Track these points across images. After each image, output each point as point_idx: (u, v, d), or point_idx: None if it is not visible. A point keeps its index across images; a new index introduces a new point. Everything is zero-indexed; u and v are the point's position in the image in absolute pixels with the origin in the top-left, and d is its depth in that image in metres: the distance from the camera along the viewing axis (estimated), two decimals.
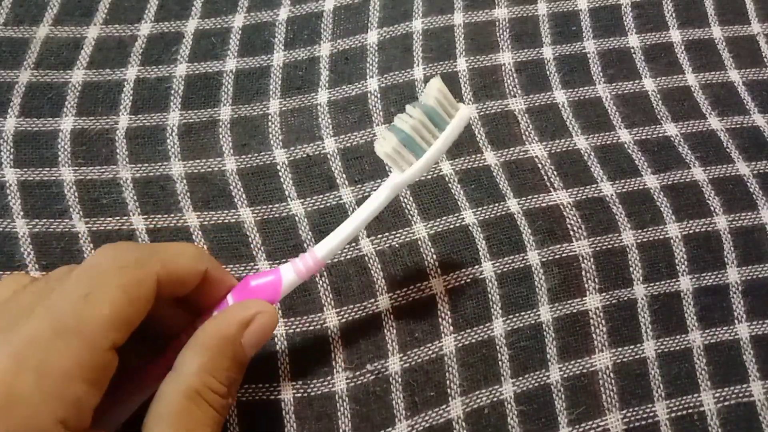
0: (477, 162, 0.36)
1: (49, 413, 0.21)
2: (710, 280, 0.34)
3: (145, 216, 0.34)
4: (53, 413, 0.21)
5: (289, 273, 0.28)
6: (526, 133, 0.37)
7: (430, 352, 0.32)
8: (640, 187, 0.36)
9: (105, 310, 0.22)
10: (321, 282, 0.33)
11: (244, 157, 0.36)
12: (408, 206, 0.35)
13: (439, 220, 0.35)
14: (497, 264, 0.34)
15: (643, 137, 0.37)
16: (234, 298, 0.28)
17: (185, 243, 0.29)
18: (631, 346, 0.33)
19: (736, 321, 0.34)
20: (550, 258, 0.34)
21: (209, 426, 0.24)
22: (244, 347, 0.26)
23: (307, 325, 0.32)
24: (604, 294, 0.34)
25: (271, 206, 0.35)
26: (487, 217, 0.35)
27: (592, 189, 0.36)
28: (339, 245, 0.29)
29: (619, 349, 0.33)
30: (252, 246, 0.34)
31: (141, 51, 0.38)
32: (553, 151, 0.37)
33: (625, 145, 0.37)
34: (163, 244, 0.30)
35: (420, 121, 0.27)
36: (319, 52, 0.39)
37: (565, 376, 0.32)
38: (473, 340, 0.32)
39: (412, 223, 0.34)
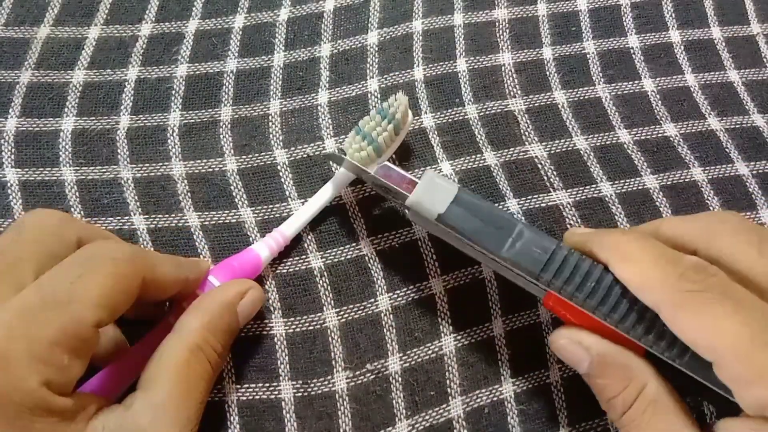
0: (477, 162, 0.36)
1: (35, 375, 0.22)
2: None
3: (146, 216, 0.34)
4: (39, 375, 0.22)
5: (264, 251, 0.32)
6: (526, 133, 0.37)
7: (430, 352, 0.32)
8: (640, 188, 0.36)
9: (94, 291, 0.24)
10: (321, 282, 0.33)
11: (244, 157, 0.36)
12: None
13: None
14: None
15: (643, 137, 0.37)
16: (217, 277, 0.30)
17: (169, 255, 0.31)
18: None
19: None
20: None
21: (205, 380, 0.26)
22: (238, 316, 0.29)
23: (307, 324, 0.32)
24: None
25: (271, 206, 0.35)
26: None
27: (592, 189, 0.36)
28: (303, 224, 0.33)
29: None
30: None
31: (142, 51, 0.39)
32: (552, 152, 0.37)
33: (625, 146, 0.37)
34: (152, 252, 0.33)
35: (389, 134, 0.32)
36: (320, 52, 0.39)
37: (565, 375, 0.32)
38: (473, 340, 0.33)
39: (413, 223, 0.34)
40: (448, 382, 0.32)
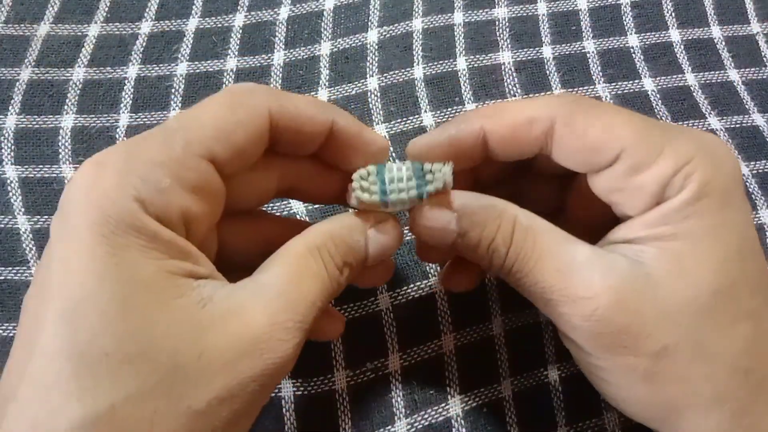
0: None
1: (128, 188, 0.21)
2: None
3: None
4: (130, 188, 0.21)
5: None
6: None
7: (429, 351, 0.32)
8: None
9: (203, 117, 0.23)
10: None
11: None
12: None
13: None
14: None
15: None
16: None
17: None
18: None
19: None
20: None
21: (319, 281, 0.24)
22: (369, 242, 0.25)
23: None
24: None
25: (274, 204, 0.35)
26: None
27: None
28: None
29: None
30: None
31: (142, 49, 0.39)
32: None
33: None
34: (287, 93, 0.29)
35: (408, 199, 0.25)
36: (320, 51, 0.39)
37: (563, 375, 0.32)
38: (472, 339, 0.33)
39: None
40: (447, 381, 0.32)
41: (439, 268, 0.34)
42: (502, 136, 0.26)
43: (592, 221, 0.27)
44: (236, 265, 0.27)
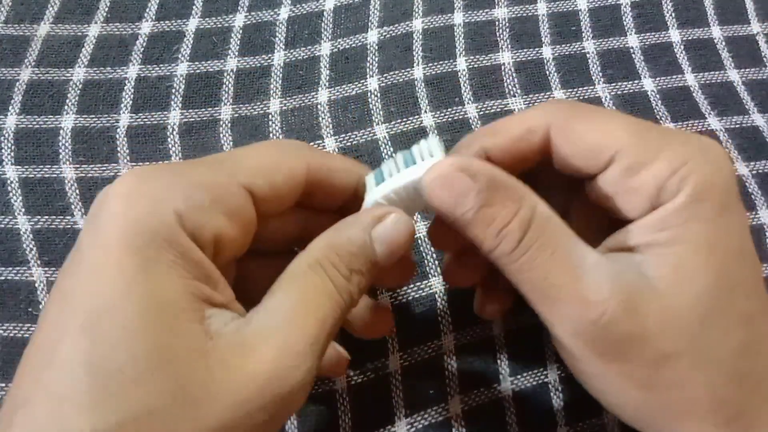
0: None
1: (169, 199, 0.21)
2: None
3: None
4: (172, 201, 0.21)
5: None
6: None
7: (429, 351, 0.32)
8: None
9: (251, 153, 0.25)
10: None
11: None
12: None
13: None
14: None
15: None
16: None
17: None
18: None
19: None
20: None
21: (326, 297, 0.23)
22: (374, 242, 0.24)
23: None
24: None
25: None
26: None
27: None
28: None
29: None
30: None
31: (142, 49, 0.39)
32: None
33: None
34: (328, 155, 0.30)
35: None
36: (320, 51, 0.39)
37: (563, 375, 0.32)
38: (472, 339, 0.33)
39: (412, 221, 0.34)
40: (447, 380, 0.32)
41: (439, 269, 0.34)
42: (503, 152, 0.26)
43: (595, 235, 0.26)
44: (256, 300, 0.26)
